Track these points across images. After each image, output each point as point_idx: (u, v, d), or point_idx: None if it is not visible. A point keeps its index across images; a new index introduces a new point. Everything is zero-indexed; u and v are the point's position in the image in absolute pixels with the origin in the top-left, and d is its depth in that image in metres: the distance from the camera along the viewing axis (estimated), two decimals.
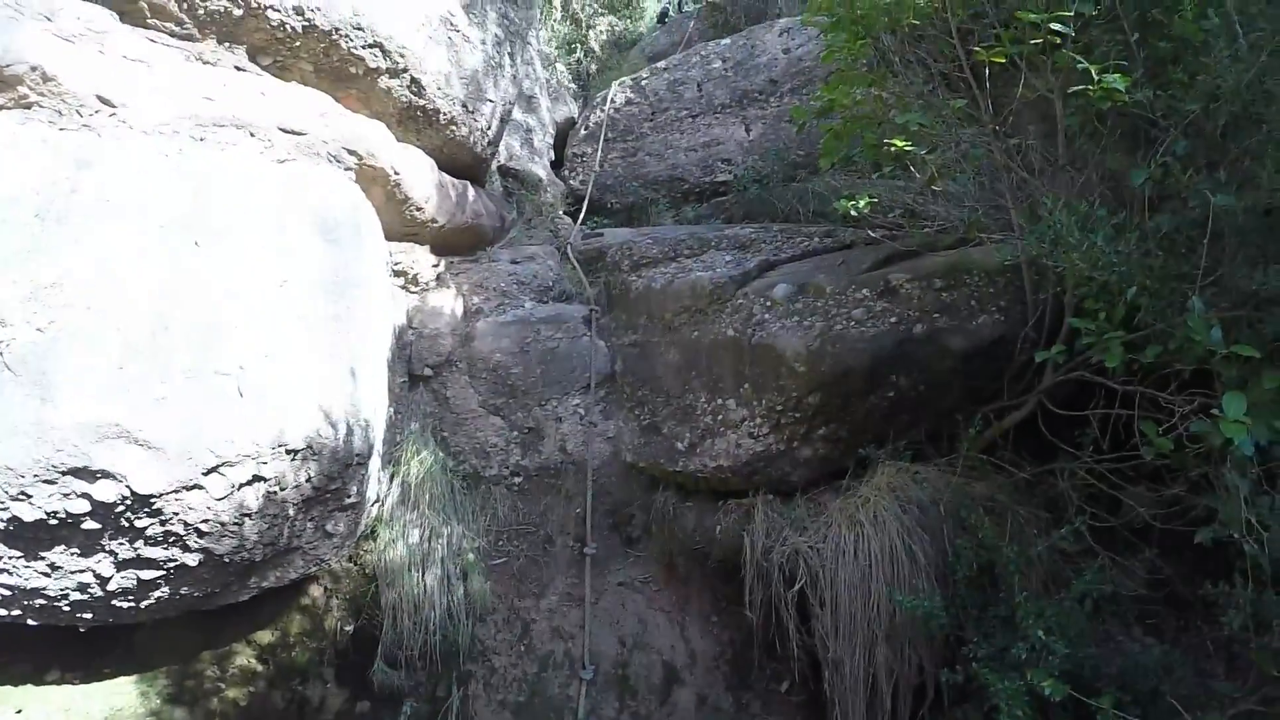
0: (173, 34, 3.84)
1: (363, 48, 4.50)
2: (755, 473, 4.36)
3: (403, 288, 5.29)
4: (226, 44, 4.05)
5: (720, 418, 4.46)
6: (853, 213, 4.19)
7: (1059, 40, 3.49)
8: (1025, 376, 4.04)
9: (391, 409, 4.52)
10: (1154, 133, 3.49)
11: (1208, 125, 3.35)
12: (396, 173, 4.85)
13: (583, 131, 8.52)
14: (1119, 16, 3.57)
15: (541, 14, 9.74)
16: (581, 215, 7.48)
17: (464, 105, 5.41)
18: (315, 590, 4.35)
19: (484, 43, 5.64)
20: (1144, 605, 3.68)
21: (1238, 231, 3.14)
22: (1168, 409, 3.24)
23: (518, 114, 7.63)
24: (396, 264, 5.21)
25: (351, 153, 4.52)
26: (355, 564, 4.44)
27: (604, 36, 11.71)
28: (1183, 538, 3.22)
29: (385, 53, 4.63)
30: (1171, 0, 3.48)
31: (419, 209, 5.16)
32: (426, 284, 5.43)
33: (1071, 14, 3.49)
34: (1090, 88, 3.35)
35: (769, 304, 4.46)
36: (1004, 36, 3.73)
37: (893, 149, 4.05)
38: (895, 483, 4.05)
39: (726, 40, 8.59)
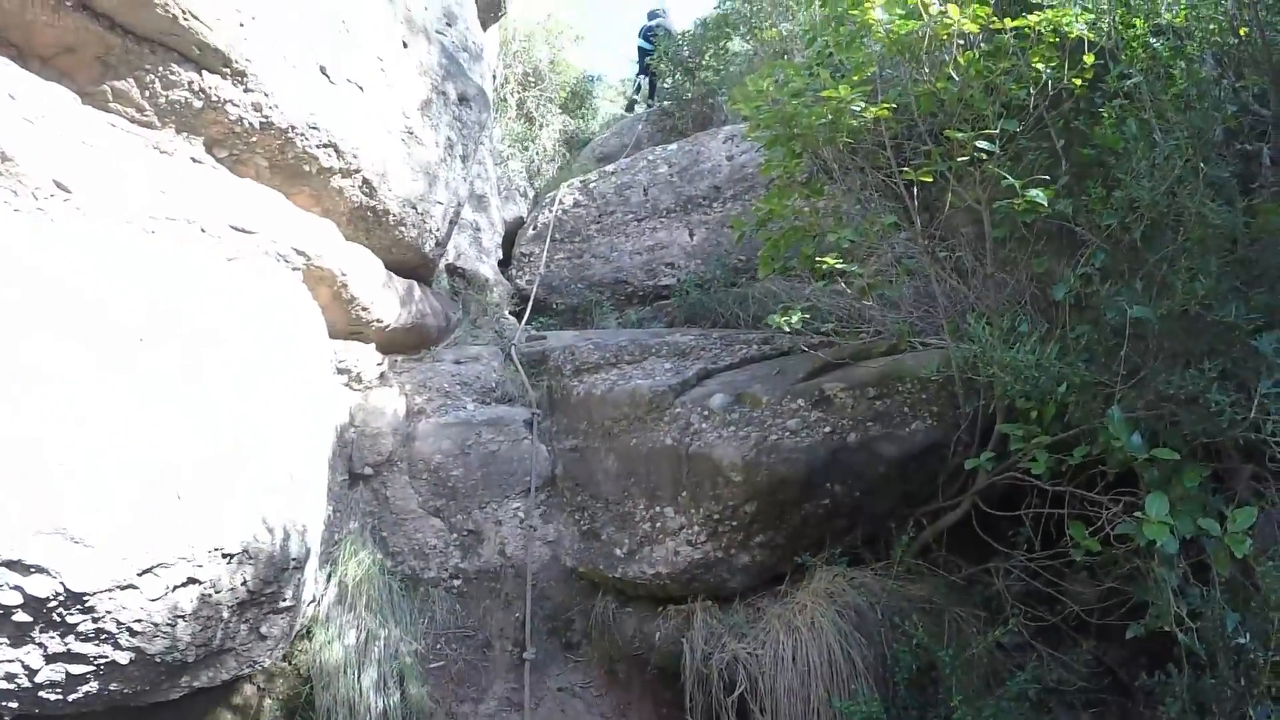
0: (133, 119, 3.91)
1: (317, 147, 4.64)
2: (694, 579, 4.43)
3: (346, 385, 5.33)
4: (185, 134, 4.14)
5: (659, 525, 4.55)
6: (785, 328, 4.40)
7: (985, 155, 3.77)
8: (959, 478, 4.20)
9: (330, 508, 4.52)
10: (1079, 234, 3.76)
11: (1125, 236, 3.61)
12: (344, 273, 4.95)
13: (531, 231, 8.74)
14: (1046, 124, 3.88)
15: (496, 112, 10.06)
16: (526, 316, 7.62)
17: (414, 207, 5.57)
18: (248, 690, 4.27)
19: (437, 144, 5.84)
20: (1089, 694, 3.77)
21: (1156, 337, 3.37)
22: (1098, 506, 3.42)
23: (468, 213, 7.82)
24: (340, 362, 5.26)
25: (300, 253, 4.62)
26: (290, 664, 4.37)
27: (556, 135, 12.10)
28: (1122, 627, 3.35)
29: (339, 153, 4.78)
30: (1093, 108, 3.80)
31: (365, 309, 5.25)
32: (370, 382, 5.48)
33: (997, 131, 3.79)
34: (1015, 201, 3.61)
35: (706, 414, 4.61)
36: (933, 153, 4.01)
37: (824, 267, 4.28)
38: (833, 588, 4.15)
39: (673, 146, 8.96)
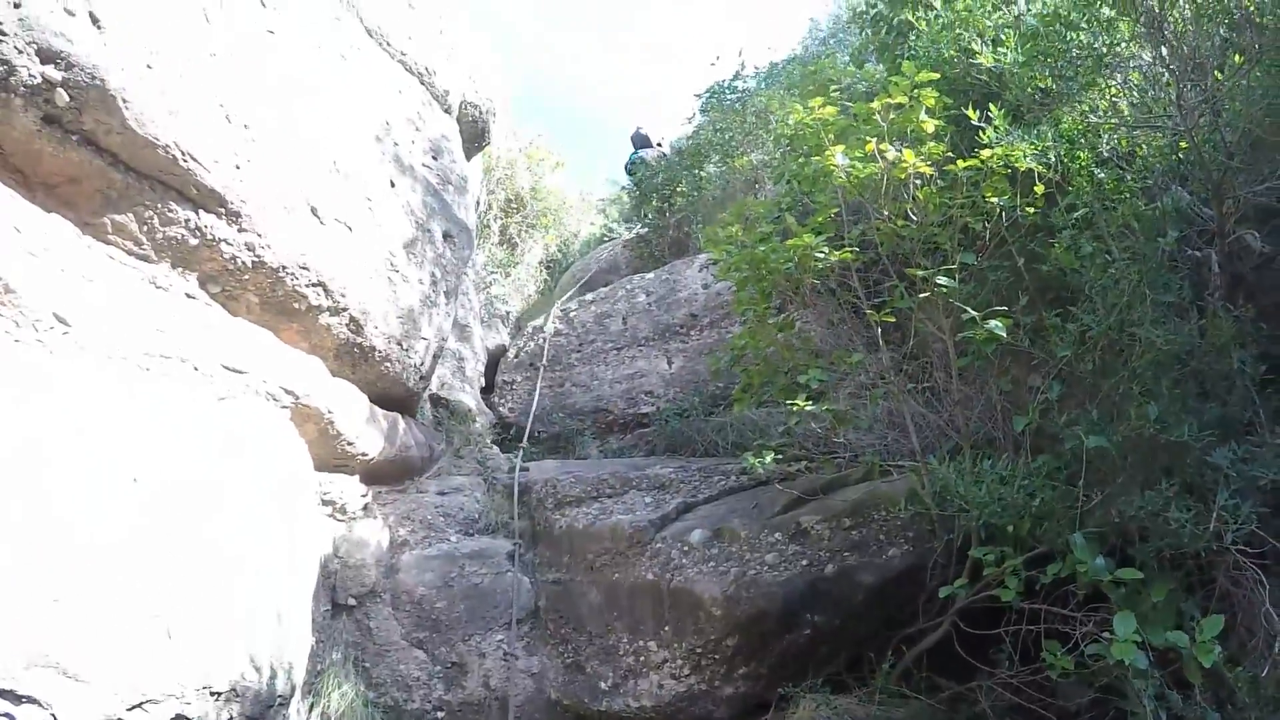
0: (131, 252, 4.13)
1: (307, 286, 4.91)
2: (679, 712, 4.54)
3: (330, 516, 5.48)
4: (180, 269, 4.35)
5: (642, 658, 4.68)
6: (759, 468, 4.63)
7: (947, 289, 4.08)
8: (939, 600, 4.35)
9: (314, 639, 4.62)
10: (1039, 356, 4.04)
11: (1080, 366, 3.90)
12: (330, 410, 5.17)
13: (513, 359, 9.02)
14: (1007, 243, 4.21)
15: (479, 238, 10.47)
16: (512, 446, 7.81)
17: (399, 343, 5.84)
18: None
19: (421, 281, 6.14)
20: None
21: (1115, 460, 3.61)
22: (1074, 623, 3.58)
23: (451, 342, 8.11)
24: (325, 494, 5.43)
25: (288, 391, 4.85)
26: None
27: (538, 260, 12.52)
28: None
29: (328, 292, 5.06)
30: (1049, 229, 4.13)
31: (350, 444, 5.45)
32: (354, 514, 5.64)
33: (956, 265, 4.12)
34: (975, 332, 3.91)
35: (686, 548, 4.81)
36: (897, 288, 4.34)
37: (795, 407, 4.54)
38: (816, 716, 4.26)
39: (651, 275, 9.34)
